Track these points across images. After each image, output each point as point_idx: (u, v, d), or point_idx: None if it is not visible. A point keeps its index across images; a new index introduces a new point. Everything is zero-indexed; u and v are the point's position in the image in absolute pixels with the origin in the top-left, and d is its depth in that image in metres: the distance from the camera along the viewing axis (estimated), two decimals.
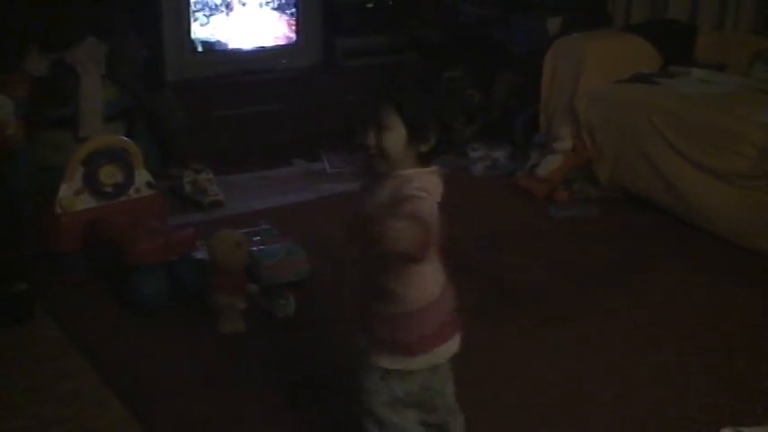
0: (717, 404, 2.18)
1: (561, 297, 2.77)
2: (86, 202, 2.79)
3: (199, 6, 3.90)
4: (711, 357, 2.42)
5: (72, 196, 2.76)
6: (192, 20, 3.90)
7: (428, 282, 1.62)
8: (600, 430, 2.10)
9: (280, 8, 4.20)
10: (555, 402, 2.19)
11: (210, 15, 3.95)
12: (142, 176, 2.91)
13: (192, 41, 3.94)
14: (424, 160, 1.58)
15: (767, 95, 3.47)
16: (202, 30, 3.96)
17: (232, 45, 4.09)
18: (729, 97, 3.51)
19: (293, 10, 4.23)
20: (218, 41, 4.04)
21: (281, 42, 4.27)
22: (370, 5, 4.50)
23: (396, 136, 1.54)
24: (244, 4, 4.06)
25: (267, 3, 4.15)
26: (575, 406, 2.17)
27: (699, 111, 3.37)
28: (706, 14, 4.11)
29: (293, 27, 4.26)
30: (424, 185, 1.53)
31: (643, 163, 3.50)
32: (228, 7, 4.00)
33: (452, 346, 1.69)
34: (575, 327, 2.57)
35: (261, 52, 4.20)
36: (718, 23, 4.08)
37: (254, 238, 2.73)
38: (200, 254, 2.66)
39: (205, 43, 4.00)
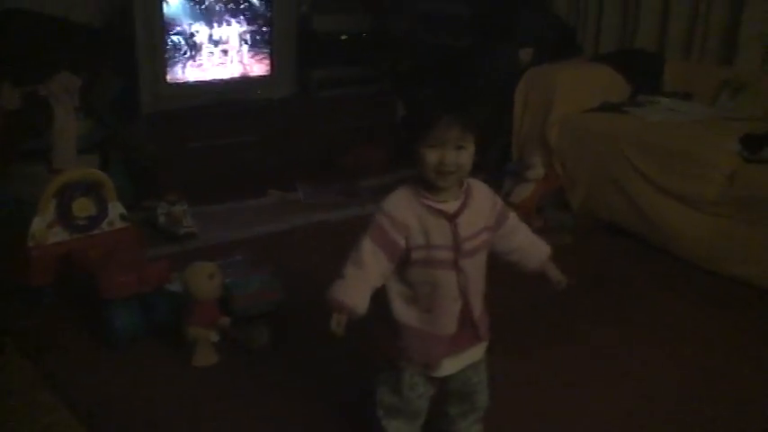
0: (692, 430, 2.20)
1: (533, 325, 2.79)
2: (59, 235, 2.78)
3: (170, 46, 3.92)
4: (685, 383, 2.44)
5: (45, 229, 2.75)
6: (166, 53, 3.92)
7: None
8: None
9: (254, 41, 4.22)
10: (526, 430, 2.19)
11: (175, 59, 3.96)
12: (116, 209, 2.90)
13: (166, 74, 3.95)
14: None
15: (733, 123, 3.54)
16: (177, 64, 3.98)
17: (206, 77, 4.11)
18: (697, 125, 3.58)
19: (268, 42, 4.26)
20: (193, 74, 4.05)
21: (256, 74, 4.29)
22: (344, 37, 4.55)
23: (470, 153, 1.70)
24: (216, 43, 4.08)
25: (242, 38, 4.18)
26: None
27: (667, 139, 3.43)
28: (673, 45, 4.20)
29: (268, 59, 4.29)
30: None
31: (614, 190, 3.56)
32: (195, 48, 4.01)
33: None
34: (547, 354, 2.59)
35: (235, 84, 4.22)
36: (685, 53, 4.17)
37: (229, 270, 2.73)
38: (174, 286, 2.66)
39: (179, 76, 4.01)
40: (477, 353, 1.87)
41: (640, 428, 2.22)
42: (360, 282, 1.70)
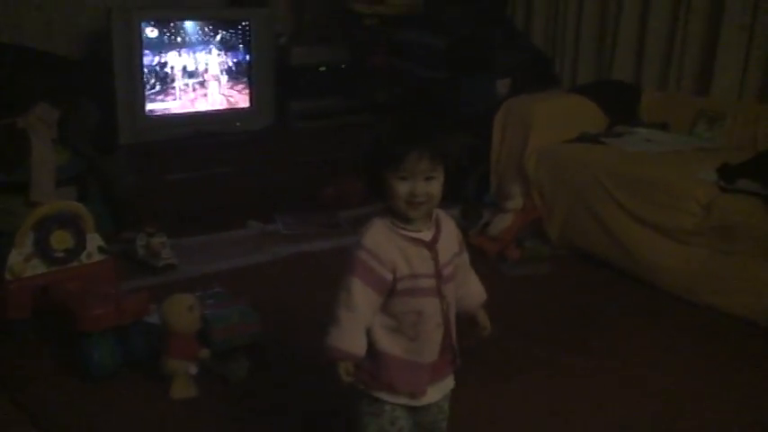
0: None
1: (511, 354, 2.78)
2: (37, 267, 2.76)
3: (148, 77, 3.93)
4: (664, 412, 2.45)
5: (22, 262, 2.73)
6: (145, 85, 3.92)
7: None
8: None
9: (233, 73, 4.24)
10: None
11: (154, 91, 3.97)
12: (94, 241, 2.89)
13: (144, 105, 3.95)
14: None
15: (709, 154, 3.57)
16: (155, 95, 3.98)
17: (185, 109, 4.11)
18: (673, 156, 3.61)
19: (247, 75, 4.27)
20: (171, 106, 4.05)
21: (235, 106, 4.30)
22: (322, 69, 4.58)
23: (440, 183, 1.71)
24: (194, 75, 4.09)
25: (221, 70, 4.19)
26: None
27: (644, 169, 3.46)
28: (650, 76, 4.25)
29: (247, 91, 4.30)
30: None
31: (592, 221, 3.57)
32: (173, 80, 4.02)
33: None
34: (524, 384, 2.59)
35: (215, 116, 4.22)
36: (662, 84, 4.21)
37: (208, 302, 2.72)
38: (153, 318, 2.64)
39: (158, 108, 4.01)
40: (451, 381, 1.88)
41: None
42: (355, 325, 1.70)
